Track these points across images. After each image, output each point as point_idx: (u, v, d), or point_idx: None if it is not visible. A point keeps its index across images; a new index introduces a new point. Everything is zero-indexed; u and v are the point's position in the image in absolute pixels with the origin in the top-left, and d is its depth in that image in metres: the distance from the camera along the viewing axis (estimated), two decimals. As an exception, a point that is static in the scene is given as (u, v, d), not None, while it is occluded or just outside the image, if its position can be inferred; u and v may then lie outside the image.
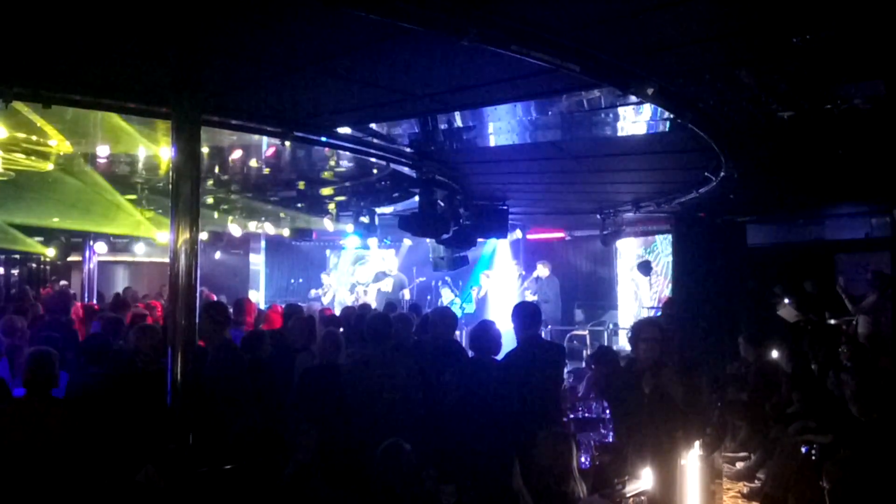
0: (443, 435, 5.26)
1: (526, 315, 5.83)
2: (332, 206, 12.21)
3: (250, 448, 4.31)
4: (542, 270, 14.05)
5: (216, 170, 9.24)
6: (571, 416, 6.99)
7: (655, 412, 5.35)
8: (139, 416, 4.88)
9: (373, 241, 14.83)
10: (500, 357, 5.85)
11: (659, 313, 13.24)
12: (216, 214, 12.59)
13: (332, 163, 9.09)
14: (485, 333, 5.87)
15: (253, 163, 9.13)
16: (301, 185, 10.41)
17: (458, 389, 5.52)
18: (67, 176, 8.83)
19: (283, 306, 9.58)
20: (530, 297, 13.58)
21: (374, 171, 9.27)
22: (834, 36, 3.99)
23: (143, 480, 4.01)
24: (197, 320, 5.29)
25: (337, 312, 10.50)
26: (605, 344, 12.42)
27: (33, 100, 4.99)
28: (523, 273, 14.83)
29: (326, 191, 10.96)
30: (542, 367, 5.64)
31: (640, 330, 5.73)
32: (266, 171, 9.55)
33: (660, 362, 5.43)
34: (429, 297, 15.41)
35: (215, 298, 10.62)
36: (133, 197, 10.65)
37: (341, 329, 7.56)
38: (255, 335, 6.70)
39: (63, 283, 14.90)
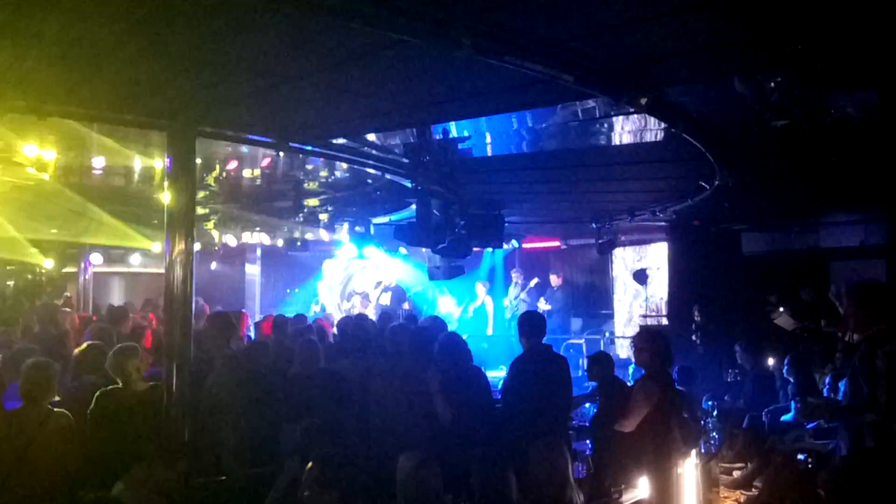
0: (441, 445, 5.25)
1: (531, 324, 5.86)
2: (324, 217, 12.21)
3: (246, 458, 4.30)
4: (555, 280, 14.59)
5: (210, 181, 9.24)
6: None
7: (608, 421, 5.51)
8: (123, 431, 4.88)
9: (371, 251, 14.83)
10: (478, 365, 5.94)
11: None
12: (211, 225, 12.59)
13: (325, 173, 9.10)
14: (455, 345, 5.92)
15: (247, 173, 9.14)
16: (305, 197, 10.41)
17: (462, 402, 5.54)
18: (64, 187, 8.83)
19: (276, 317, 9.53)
20: (544, 307, 14.02)
21: (370, 180, 9.28)
22: (827, 46, 4.02)
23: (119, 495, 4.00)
24: (192, 331, 5.33)
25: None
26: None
27: (30, 113, 4.99)
28: (519, 282, 14.87)
29: (313, 202, 10.96)
30: (545, 376, 5.66)
31: (633, 338, 5.86)
32: (258, 181, 9.57)
33: (652, 370, 5.46)
34: (424, 308, 15.39)
35: (208, 310, 10.61)
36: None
37: (335, 331, 7.61)
38: (258, 346, 6.72)
39: (67, 294, 14.85)
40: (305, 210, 11.42)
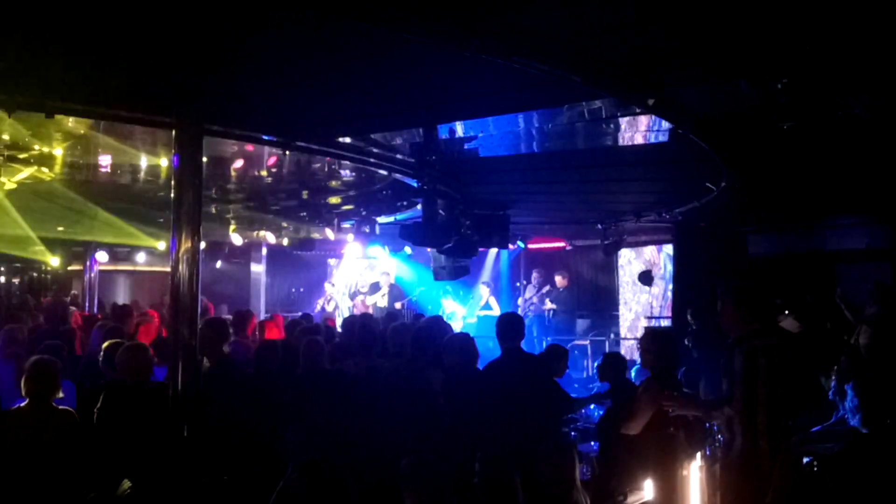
0: (445, 446, 5.23)
1: (507, 327, 5.82)
2: (332, 217, 12.22)
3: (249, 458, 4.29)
4: (560, 281, 14.50)
5: (218, 179, 9.25)
6: (573, 425, 6.97)
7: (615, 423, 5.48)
8: (134, 430, 4.87)
9: (376, 250, 14.82)
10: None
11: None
12: (217, 224, 12.59)
13: (335, 175, 9.11)
14: (461, 345, 5.89)
15: (254, 172, 9.15)
16: (304, 194, 10.40)
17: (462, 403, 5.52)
18: (70, 185, 8.85)
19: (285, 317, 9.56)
20: (550, 306, 14.08)
21: (376, 180, 9.28)
22: (835, 47, 4.01)
23: (122, 494, 4.01)
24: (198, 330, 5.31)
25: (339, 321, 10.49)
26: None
27: (37, 110, 5.00)
28: (524, 283, 14.86)
29: (332, 200, 10.97)
30: (526, 378, 5.63)
31: (639, 339, 5.83)
32: (268, 180, 9.57)
33: (658, 372, 5.45)
34: (429, 307, 15.38)
35: (213, 309, 10.62)
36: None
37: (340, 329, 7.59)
38: (267, 346, 6.70)
39: (74, 292, 14.87)
40: (317, 207, 11.43)
